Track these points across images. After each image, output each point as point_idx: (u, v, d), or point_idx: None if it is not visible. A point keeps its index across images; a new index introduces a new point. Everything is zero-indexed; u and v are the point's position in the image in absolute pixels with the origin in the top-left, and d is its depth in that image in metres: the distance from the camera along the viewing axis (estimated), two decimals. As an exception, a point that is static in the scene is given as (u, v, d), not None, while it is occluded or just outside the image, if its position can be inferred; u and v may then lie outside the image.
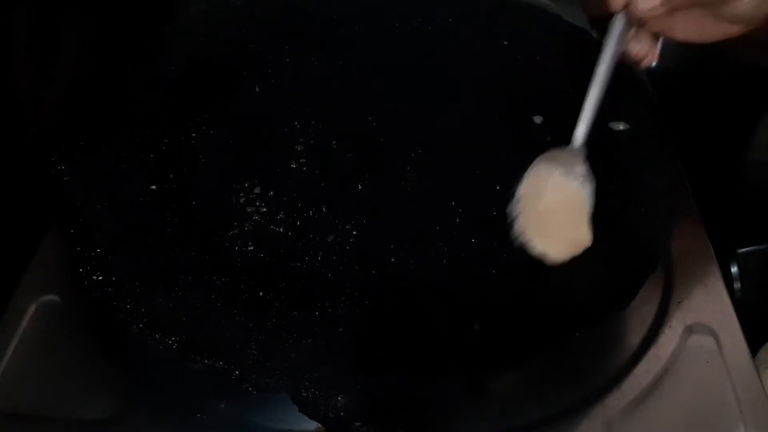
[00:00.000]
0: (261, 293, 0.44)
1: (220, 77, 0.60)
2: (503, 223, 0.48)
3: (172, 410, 0.43)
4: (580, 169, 0.44)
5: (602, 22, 0.46)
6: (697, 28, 0.45)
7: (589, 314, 0.42)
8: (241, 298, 0.44)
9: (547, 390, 0.44)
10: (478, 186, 0.51)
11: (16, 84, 0.58)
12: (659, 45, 0.47)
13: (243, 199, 0.50)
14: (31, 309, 0.48)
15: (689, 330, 0.47)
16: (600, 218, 0.48)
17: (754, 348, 0.47)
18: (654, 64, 0.49)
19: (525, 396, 0.44)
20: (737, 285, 0.57)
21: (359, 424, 0.37)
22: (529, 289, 0.44)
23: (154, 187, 0.51)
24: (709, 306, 0.48)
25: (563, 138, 0.55)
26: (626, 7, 0.43)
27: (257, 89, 0.59)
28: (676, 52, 0.80)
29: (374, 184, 0.51)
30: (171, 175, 0.52)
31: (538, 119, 0.56)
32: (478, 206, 0.50)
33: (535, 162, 0.45)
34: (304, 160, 0.53)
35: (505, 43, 0.63)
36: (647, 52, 0.45)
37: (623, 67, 0.60)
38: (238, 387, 0.39)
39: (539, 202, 0.44)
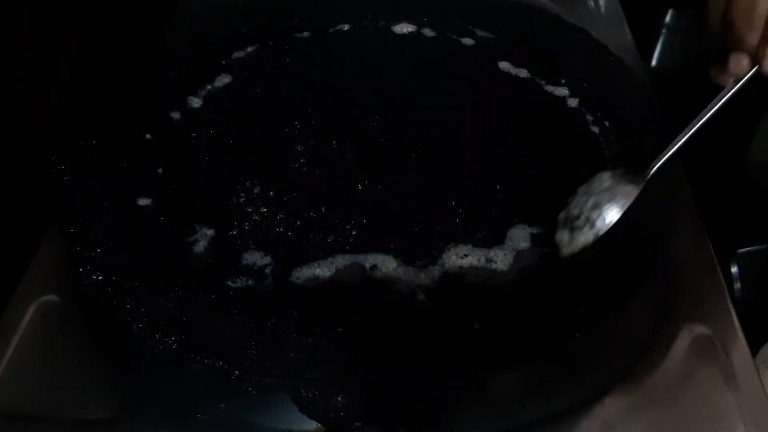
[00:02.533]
0: (261, 293, 0.44)
1: (220, 77, 0.60)
2: (503, 224, 0.48)
3: (172, 410, 0.43)
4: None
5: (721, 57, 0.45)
6: None
7: (589, 314, 0.42)
8: (241, 298, 0.44)
9: (547, 390, 0.44)
10: (478, 186, 0.51)
11: (16, 84, 0.58)
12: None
13: (243, 199, 0.50)
14: (31, 309, 0.48)
15: (689, 330, 0.47)
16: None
17: (754, 348, 0.47)
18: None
19: (525, 396, 0.44)
20: (737, 285, 0.57)
21: (359, 424, 0.37)
22: (529, 289, 0.44)
23: (154, 187, 0.51)
24: (709, 306, 0.48)
25: (561, 137, 0.55)
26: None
27: (257, 89, 0.59)
28: (676, 52, 0.80)
29: (374, 184, 0.51)
30: (171, 175, 0.52)
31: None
32: (478, 206, 0.50)
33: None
34: (304, 160, 0.53)
35: (504, 43, 0.63)
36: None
37: (623, 67, 0.60)
38: (238, 387, 0.39)
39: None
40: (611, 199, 0.44)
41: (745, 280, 0.56)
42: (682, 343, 0.46)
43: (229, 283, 0.45)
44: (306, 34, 0.65)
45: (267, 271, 0.45)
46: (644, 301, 0.48)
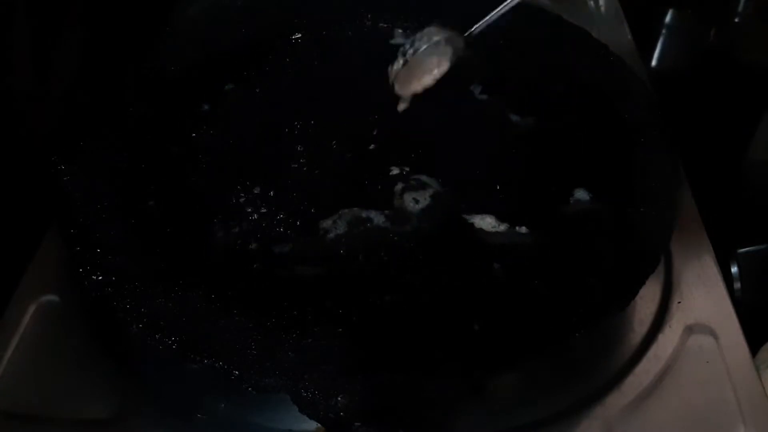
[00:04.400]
0: (261, 293, 0.44)
1: (220, 77, 0.60)
2: (503, 224, 0.49)
3: (172, 410, 0.43)
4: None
5: None
6: None
7: (589, 314, 0.42)
8: (241, 298, 0.44)
9: (547, 390, 0.44)
10: (479, 186, 0.51)
11: (16, 84, 0.58)
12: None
13: (243, 199, 0.50)
14: (31, 309, 0.48)
15: (689, 330, 0.47)
16: (600, 218, 0.49)
17: (754, 348, 0.47)
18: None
19: (525, 396, 0.44)
20: (737, 285, 0.56)
21: (359, 424, 0.37)
22: (528, 290, 0.44)
23: (153, 187, 0.51)
24: (709, 306, 0.48)
25: (558, 135, 0.55)
26: None
27: (257, 89, 0.59)
28: (676, 52, 0.80)
29: (374, 184, 0.51)
30: (171, 175, 0.52)
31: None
32: (479, 206, 0.50)
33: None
34: (304, 160, 0.53)
35: (504, 42, 0.63)
36: None
37: (623, 67, 0.60)
38: (238, 387, 0.39)
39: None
40: (423, 38, 0.49)
41: (745, 280, 0.56)
42: (682, 343, 0.46)
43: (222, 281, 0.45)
44: (305, 33, 0.65)
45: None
46: (644, 301, 0.48)
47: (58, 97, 0.61)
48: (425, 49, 0.49)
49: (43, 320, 0.47)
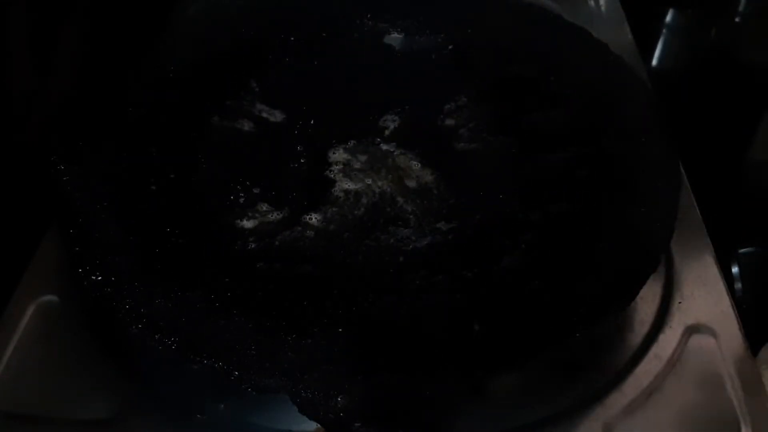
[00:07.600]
0: (261, 293, 0.44)
1: (220, 77, 0.60)
2: (504, 224, 0.48)
3: (172, 410, 0.43)
4: None
5: None
6: None
7: (589, 314, 0.42)
8: (241, 298, 0.44)
9: (547, 390, 0.44)
10: (480, 186, 0.51)
11: (16, 84, 0.58)
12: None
13: (243, 199, 0.50)
14: (31, 309, 0.48)
15: (690, 330, 0.46)
16: (600, 218, 0.49)
17: (754, 348, 0.47)
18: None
19: (525, 396, 0.44)
20: (738, 285, 0.56)
21: (359, 424, 0.37)
22: (529, 289, 0.44)
23: (153, 187, 0.51)
24: (709, 306, 0.48)
25: (557, 135, 0.55)
26: None
27: (257, 89, 0.59)
28: (676, 52, 0.80)
29: (374, 184, 0.51)
30: (171, 176, 0.52)
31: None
32: (479, 206, 0.50)
33: None
34: (304, 160, 0.53)
35: (504, 42, 0.63)
36: None
37: (623, 66, 0.60)
38: (238, 387, 0.39)
39: None
40: None
41: (745, 281, 0.56)
42: (682, 344, 0.46)
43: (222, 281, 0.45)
44: (306, 33, 0.65)
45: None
46: (644, 301, 0.48)
47: (58, 97, 0.61)
48: None
49: (43, 320, 0.47)
